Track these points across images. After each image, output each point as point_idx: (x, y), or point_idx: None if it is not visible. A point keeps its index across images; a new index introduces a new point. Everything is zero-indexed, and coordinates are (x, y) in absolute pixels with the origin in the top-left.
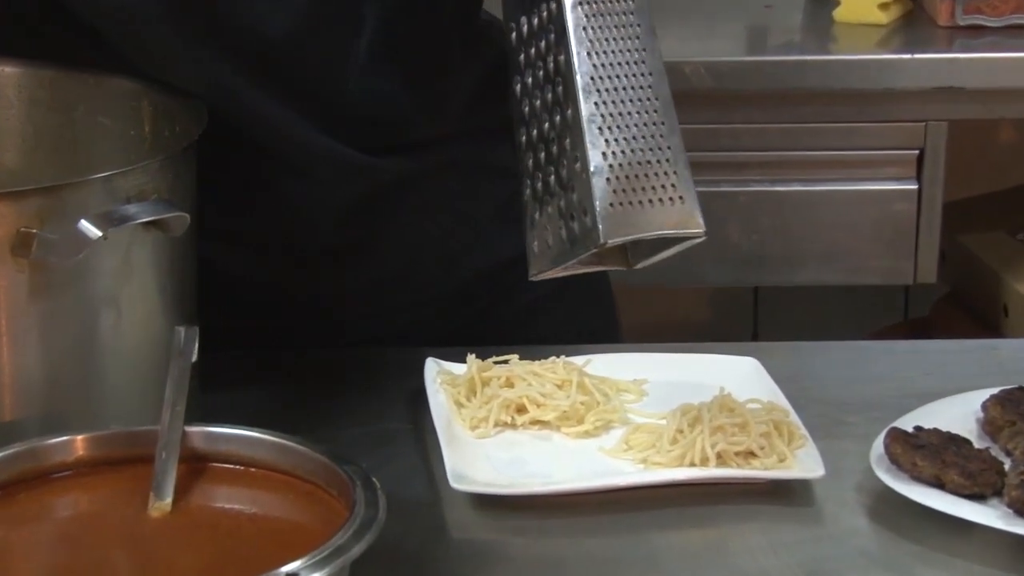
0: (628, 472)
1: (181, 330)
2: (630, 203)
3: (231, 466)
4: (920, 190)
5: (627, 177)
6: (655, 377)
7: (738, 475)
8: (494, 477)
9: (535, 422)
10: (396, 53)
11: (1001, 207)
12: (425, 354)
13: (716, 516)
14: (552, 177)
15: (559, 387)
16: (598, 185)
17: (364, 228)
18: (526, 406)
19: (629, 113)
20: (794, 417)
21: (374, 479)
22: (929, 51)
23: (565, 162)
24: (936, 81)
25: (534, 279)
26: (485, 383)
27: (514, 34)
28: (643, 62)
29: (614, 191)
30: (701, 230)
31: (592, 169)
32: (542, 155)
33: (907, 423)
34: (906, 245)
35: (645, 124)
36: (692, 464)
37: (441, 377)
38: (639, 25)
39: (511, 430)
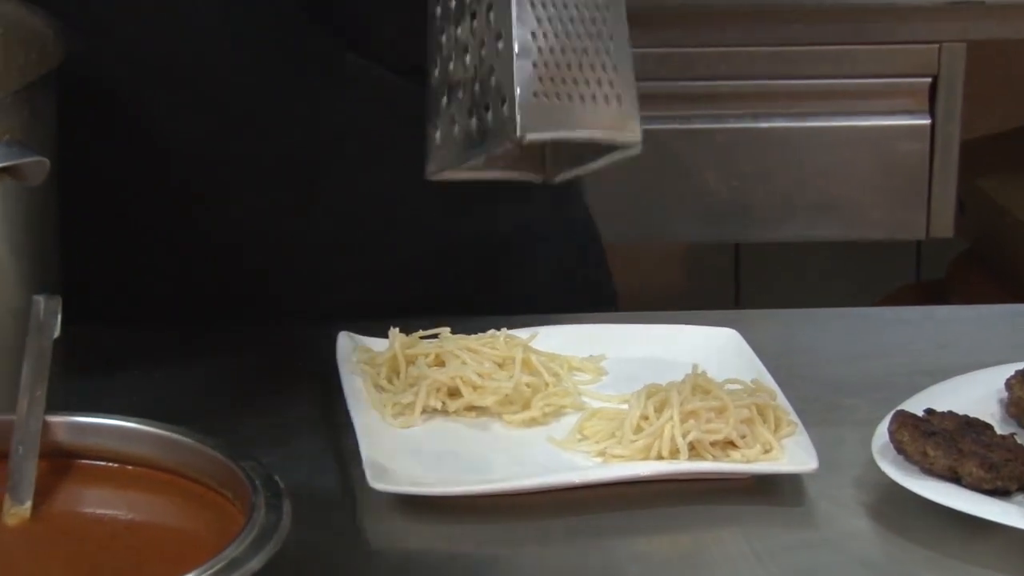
0: (583, 467)
1: (40, 300)
2: (557, 95)
3: (103, 463)
4: (933, 125)
5: (557, 65)
6: (615, 353)
7: (715, 469)
8: (421, 474)
9: (471, 408)
10: None
11: None
12: (339, 328)
13: (689, 519)
14: (468, 57)
15: (500, 366)
16: (522, 69)
17: (295, 183)
18: (459, 389)
19: None
20: (782, 399)
21: (277, 478)
22: None
23: (485, 39)
24: None
25: (431, 178)
26: (410, 361)
27: None
28: None
29: (540, 79)
30: (637, 139)
31: (516, 50)
32: (458, 30)
33: (917, 405)
34: (917, 192)
35: (586, 6)
36: (660, 457)
37: (357, 355)
38: None
39: (442, 418)
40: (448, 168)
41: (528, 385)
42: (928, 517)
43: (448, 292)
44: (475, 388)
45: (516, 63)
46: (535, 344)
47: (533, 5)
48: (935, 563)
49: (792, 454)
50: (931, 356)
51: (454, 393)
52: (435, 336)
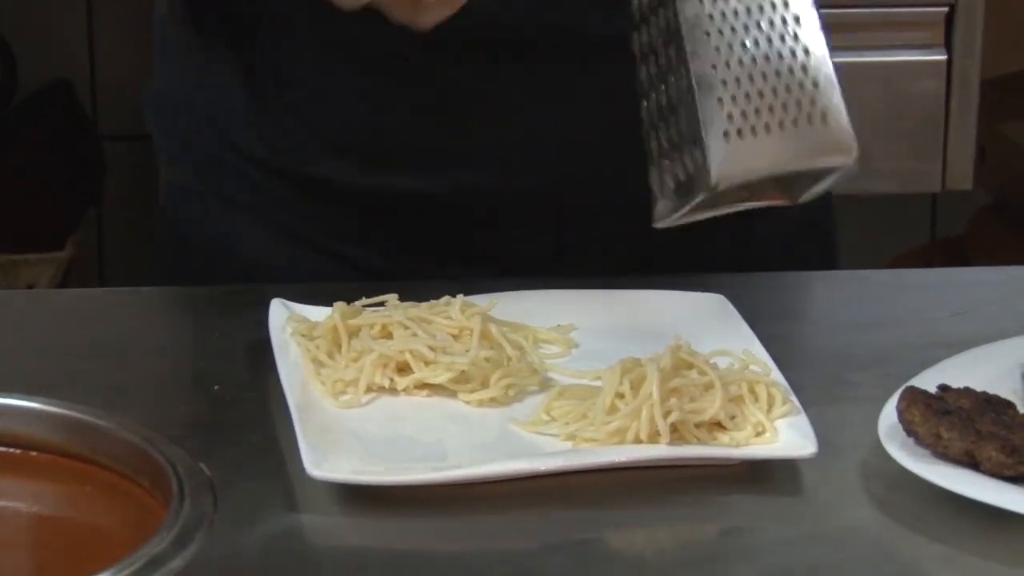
0: (550, 453)
1: None
2: (752, 130)
3: (3, 449)
4: (950, 61)
5: (747, 96)
6: (587, 322)
7: (700, 454)
8: (366, 461)
9: (422, 386)
10: None
11: None
12: (273, 294)
13: (670, 511)
14: (664, 97)
15: (455, 338)
16: (707, 108)
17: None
18: (409, 364)
19: (748, 9)
20: (776, 375)
21: (202, 465)
22: None
23: (672, 78)
24: None
25: (660, 226)
26: (353, 333)
27: None
28: None
29: (729, 116)
30: (852, 158)
31: (697, 88)
32: (653, 67)
33: (929, 381)
34: (931, 138)
35: (772, 23)
36: (637, 440)
37: (293, 325)
38: None
39: (390, 396)
40: (669, 218)
41: (487, 360)
42: (942, 507)
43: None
44: (427, 363)
45: (699, 102)
46: (495, 313)
47: (708, 34)
48: (950, 559)
49: (788, 437)
50: (946, 325)
51: (403, 369)
52: (381, 304)
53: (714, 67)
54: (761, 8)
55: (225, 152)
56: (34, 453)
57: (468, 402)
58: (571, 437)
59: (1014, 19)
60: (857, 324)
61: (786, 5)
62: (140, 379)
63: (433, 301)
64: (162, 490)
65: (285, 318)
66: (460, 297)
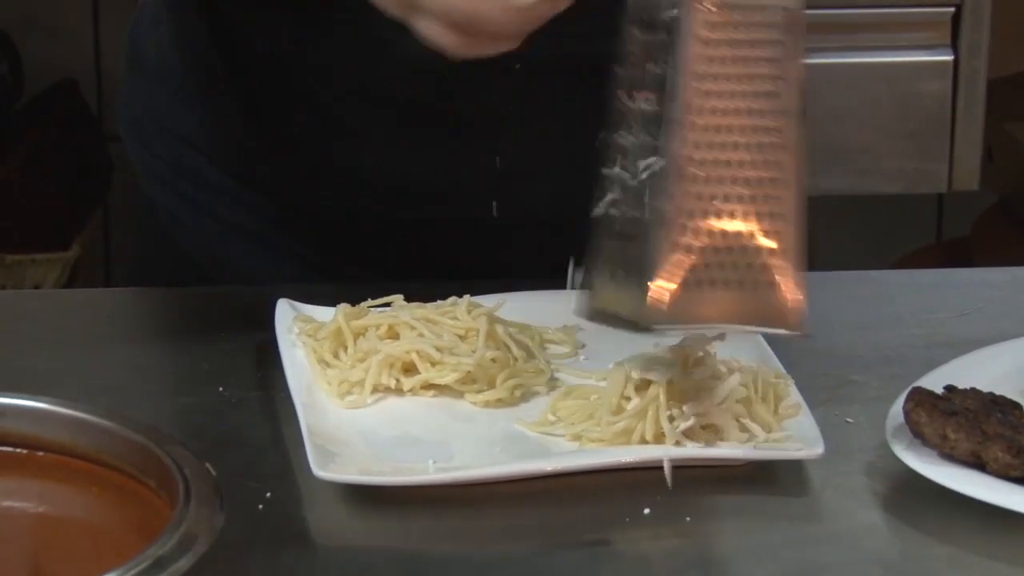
0: (556, 453)
1: None
2: (699, 281)
3: (9, 449)
4: (956, 62)
5: (714, 249)
6: (593, 323)
7: (706, 455)
8: (373, 462)
9: (428, 386)
10: None
11: None
12: (280, 294)
13: (676, 512)
14: (623, 195)
15: (461, 338)
16: (662, 248)
17: None
18: (415, 365)
19: (728, 163)
20: (783, 375)
21: (208, 466)
22: None
23: (643, 195)
24: None
25: (584, 317)
26: (359, 334)
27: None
28: (775, 95)
29: (683, 261)
30: (798, 332)
31: (661, 224)
32: (616, 168)
33: (936, 381)
34: (938, 138)
35: (750, 181)
36: (643, 441)
37: (299, 325)
38: (780, 42)
39: (396, 397)
40: (594, 319)
41: (494, 360)
42: (948, 508)
43: None
44: (433, 364)
45: (656, 238)
46: (502, 313)
47: (695, 180)
48: (956, 560)
49: (794, 438)
50: (952, 325)
51: (409, 369)
52: (387, 305)
53: (681, 211)
54: (751, 162)
55: (219, 174)
56: (40, 453)
57: (474, 403)
58: (577, 437)
59: (1020, 19)
60: (863, 325)
61: (775, 164)
62: (146, 380)
63: (439, 302)
64: (168, 490)
65: (291, 318)
66: (467, 297)
